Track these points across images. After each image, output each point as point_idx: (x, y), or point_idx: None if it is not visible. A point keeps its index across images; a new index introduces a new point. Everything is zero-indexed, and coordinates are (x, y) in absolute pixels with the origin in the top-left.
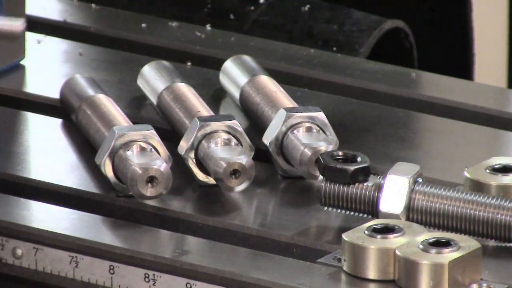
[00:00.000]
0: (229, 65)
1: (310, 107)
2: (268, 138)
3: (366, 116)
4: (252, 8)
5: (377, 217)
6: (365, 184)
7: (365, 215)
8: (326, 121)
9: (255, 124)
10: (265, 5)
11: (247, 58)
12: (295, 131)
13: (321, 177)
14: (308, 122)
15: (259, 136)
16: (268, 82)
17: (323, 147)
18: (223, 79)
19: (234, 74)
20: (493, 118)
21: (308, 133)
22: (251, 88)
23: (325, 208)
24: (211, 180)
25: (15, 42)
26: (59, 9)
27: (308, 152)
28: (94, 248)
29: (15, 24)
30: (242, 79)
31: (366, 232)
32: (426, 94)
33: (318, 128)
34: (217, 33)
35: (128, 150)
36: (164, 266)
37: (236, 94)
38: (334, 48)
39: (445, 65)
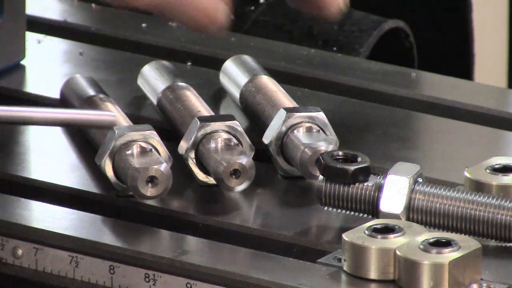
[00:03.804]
0: (229, 65)
1: (310, 107)
2: (268, 138)
3: (366, 116)
4: (252, 8)
5: (377, 217)
6: (365, 184)
7: (365, 215)
8: (326, 121)
9: (255, 124)
10: (265, 5)
11: (247, 58)
12: (295, 131)
13: (321, 177)
14: (308, 122)
15: (259, 136)
16: (268, 82)
17: (323, 147)
18: (223, 79)
19: (234, 74)
20: (493, 118)
21: (308, 133)
22: (251, 88)
23: (325, 208)
24: (211, 180)
25: (15, 42)
26: (59, 9)
27: (308, 152)
28: (94, 248)
29: (109, 116)
30: (242, 79)
31: (366, 232)
32: (426, 94)
33: (318, 128)
34: None
35: (128, 150)
36: (164, 266)
37: (236, 94)
38: (334, 48)
39: (445, 65)
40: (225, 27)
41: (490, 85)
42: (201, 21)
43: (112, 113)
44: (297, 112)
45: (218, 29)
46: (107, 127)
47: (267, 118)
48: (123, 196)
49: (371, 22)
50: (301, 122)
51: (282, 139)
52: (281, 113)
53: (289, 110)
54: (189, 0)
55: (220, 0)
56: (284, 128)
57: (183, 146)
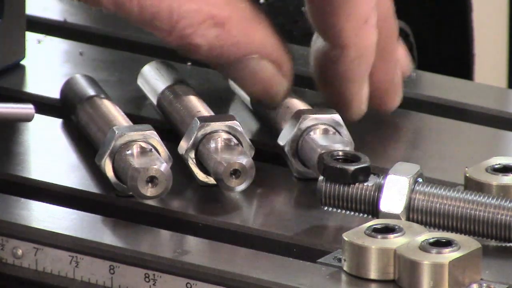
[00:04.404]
0: None
1: (325, 109)
2: (283, 139)
3: (366, 116)
4: None
5: (377, 217)
6: (365, 184)
7: (365, 215)
8: (341, 122)
9: (265, 125)
10: (265, 5)
11: None
12: (311, 133)
13: (321, 177)
14: (324, 124)
15: (267, 137)
16: None
17: (340, 149)
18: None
19: None
20: (493, 118)
21: (324, 135)
22: None
23: (325, 208)
24: (211, 180)
25: (15, 42)
26: (59, 9)
27: None
28: (94, 248)
29: (27, 109)
30: None
31: (366, 232)
32: (426, 94)
33: (334, 130)
34: None
35: (128, 150)
36: (164, 266)
37: (246, 96)
38: None
39: (445, 65)
40: (281, 101)
41: (490, 85)
42: (257, 92)
43: (29, 105)
44: (313, 114)
45: (273, 103)
46: (26, 120)
47: (281, 120)
48: (123, 196)
49: None
50: (317, 124)
51: (298, 141)
52: (296, 115)
53: (304, 112)
54: (246, 65)
55: (280, 74)
56: (299, 130)
57: (183, 146)
